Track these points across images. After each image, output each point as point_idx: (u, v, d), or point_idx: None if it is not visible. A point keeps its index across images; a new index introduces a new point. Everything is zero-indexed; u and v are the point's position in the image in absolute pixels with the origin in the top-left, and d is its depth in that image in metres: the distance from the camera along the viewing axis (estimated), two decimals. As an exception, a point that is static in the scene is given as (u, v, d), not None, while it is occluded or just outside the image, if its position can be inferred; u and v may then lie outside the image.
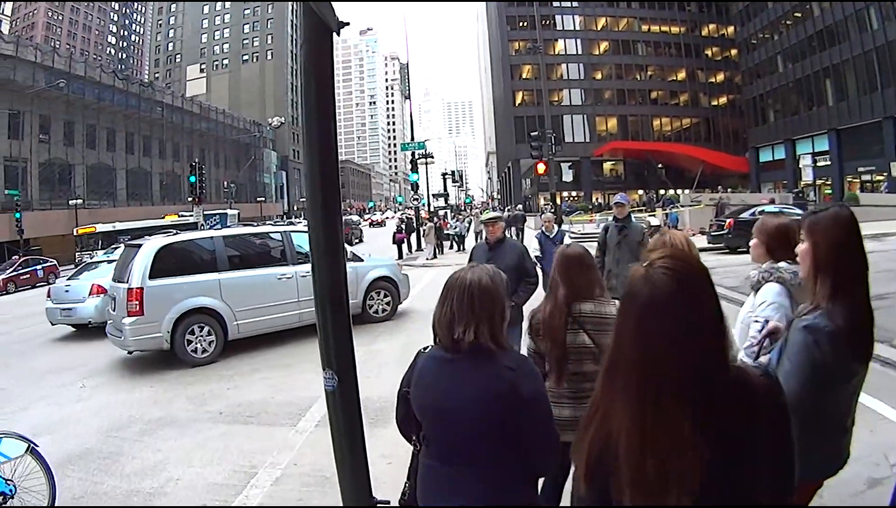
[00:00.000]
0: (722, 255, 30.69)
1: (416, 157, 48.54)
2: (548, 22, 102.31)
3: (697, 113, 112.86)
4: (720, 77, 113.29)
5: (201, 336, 14.36)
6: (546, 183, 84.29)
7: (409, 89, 53.34)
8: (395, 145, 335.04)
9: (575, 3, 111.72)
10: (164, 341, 13.93)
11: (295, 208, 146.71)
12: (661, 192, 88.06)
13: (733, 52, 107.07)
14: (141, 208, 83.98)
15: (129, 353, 14.83)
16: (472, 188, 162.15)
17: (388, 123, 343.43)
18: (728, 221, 33.24)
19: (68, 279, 21.95)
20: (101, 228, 58.06)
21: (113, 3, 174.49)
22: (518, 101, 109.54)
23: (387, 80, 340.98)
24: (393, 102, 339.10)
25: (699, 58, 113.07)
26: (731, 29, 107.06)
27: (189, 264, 14.86)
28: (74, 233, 59.13)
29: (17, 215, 60.18)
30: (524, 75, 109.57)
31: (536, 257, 13.64)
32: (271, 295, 15.49)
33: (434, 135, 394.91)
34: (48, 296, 20.46)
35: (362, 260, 18.68)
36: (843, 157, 70.95)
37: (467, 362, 3.29)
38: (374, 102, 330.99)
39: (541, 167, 44.01)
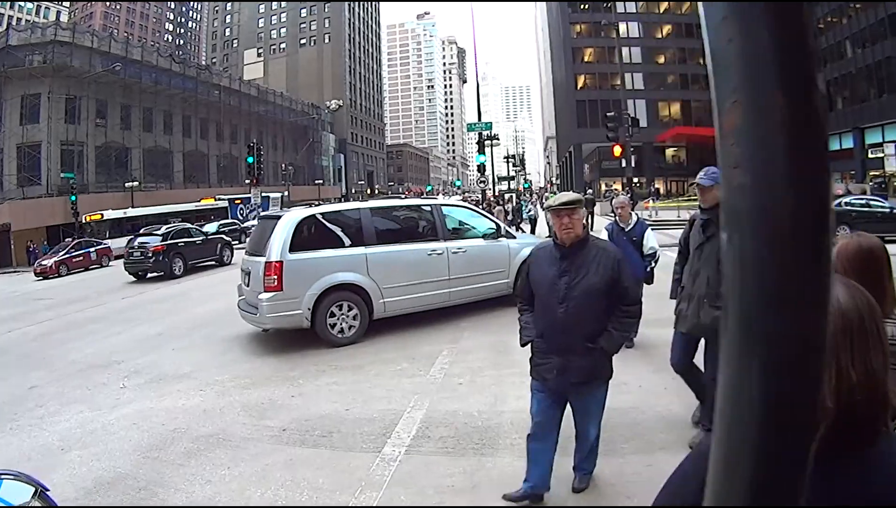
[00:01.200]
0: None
1: (483, 138, 46.32)
2: (608, 5, 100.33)
3: None
4: None
5: (344, 315, 13.15)
6: (608, 169, 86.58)
7: (475, 70, 51.45)
8: (452, 129, 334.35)
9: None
10: (303, 318, 12.77)
11: (353, 191, 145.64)
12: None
13: None
14: (198, 189, 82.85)
15: (265, 331, 13.95)
16: (530, 173, 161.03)
17: (446, 107, 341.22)
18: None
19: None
20: (108, 214, 57.40)
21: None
22: (580, 84, 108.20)
23: (444, 64, 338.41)
24: (451, 86, 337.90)
25: None
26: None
27: (333, 237, 13.54)
28: (83, 220, 58.36)
29: (73, 198, 59.74)
30: (586, 58, 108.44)
31: None
32: (422, 272, 14.12)
33: (492, 119, 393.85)
34: None
35: (515, 237, 16.54)
36: (915, 148, 67.86)
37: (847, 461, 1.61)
38: (433, 86, 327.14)
39: (617, 150, 42.53)
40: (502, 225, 16.59)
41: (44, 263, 42.95)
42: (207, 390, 10.80)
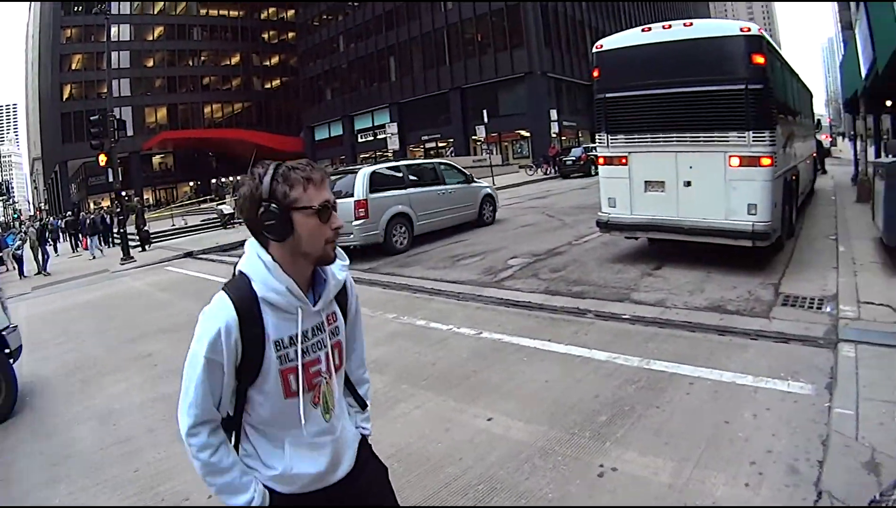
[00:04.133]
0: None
1: None
2: (102, 5, 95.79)
3: (250, 97, 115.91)
4: (275, 60, 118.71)
5: (400, 233, 19.30)
6: (96, 184, 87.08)
7: None
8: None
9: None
10: (380, 236, 18.59)
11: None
12: (213, 180, 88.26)
13: (291, 34, 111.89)
14: None
15: (354, 248, 18.52)
16: (18, 201, 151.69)
17: None
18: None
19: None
20: None
21: None
22: (66, 95, 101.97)
23: None
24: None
25: (255, 41, 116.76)
26: (291, 12, 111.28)
27: (389, 183, 19.48)
28: None
29: None
30: (74, 66, 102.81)
31: None
32: (436, 204, 20.90)
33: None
34: None
35: (476, 182, 23.83)
36: (405, 127, 74.21)
37: None
38: None
39: (102, 159, 38.78)
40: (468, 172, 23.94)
41: None
42: None
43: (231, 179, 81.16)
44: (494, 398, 6.98)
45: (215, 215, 45.36)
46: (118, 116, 43.71)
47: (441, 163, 23.47)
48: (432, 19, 74.63)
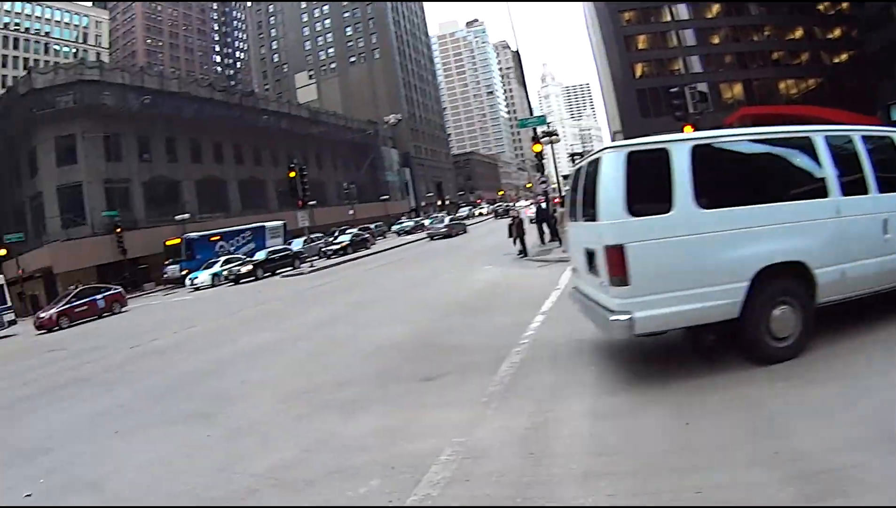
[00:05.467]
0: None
1: (539, 134, 42.08)
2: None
3: (821, 72, 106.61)
4: (837, 32, 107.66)
5: None
6: None
7: (517, 61, 47.41)
8: (518, 133, 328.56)
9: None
10: None
11: (423, 204, 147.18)
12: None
13: (844, 4, 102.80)
14: (257, 215, 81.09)
15: None
16: None
17: (509, 112, 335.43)
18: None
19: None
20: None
21: (213, 24, 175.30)
22: (638, 73, 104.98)
23: (500, 69, 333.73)
24: (511, 90, 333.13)
25: (812, 15, 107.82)
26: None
27: None
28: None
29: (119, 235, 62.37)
30: (640, 46, 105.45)
31: None
32: None
33: (557, 119, 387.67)
34: None
35: None
36: None
37: None
38: (492, 92, 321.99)
39: (688, 130, 38.37)
40: None
41: (42, 315, 38.46)
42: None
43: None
44: None
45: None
46: (697, 88, 43.53)
47: None
48: None
